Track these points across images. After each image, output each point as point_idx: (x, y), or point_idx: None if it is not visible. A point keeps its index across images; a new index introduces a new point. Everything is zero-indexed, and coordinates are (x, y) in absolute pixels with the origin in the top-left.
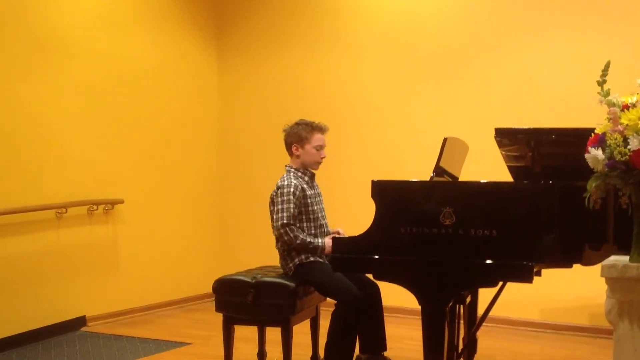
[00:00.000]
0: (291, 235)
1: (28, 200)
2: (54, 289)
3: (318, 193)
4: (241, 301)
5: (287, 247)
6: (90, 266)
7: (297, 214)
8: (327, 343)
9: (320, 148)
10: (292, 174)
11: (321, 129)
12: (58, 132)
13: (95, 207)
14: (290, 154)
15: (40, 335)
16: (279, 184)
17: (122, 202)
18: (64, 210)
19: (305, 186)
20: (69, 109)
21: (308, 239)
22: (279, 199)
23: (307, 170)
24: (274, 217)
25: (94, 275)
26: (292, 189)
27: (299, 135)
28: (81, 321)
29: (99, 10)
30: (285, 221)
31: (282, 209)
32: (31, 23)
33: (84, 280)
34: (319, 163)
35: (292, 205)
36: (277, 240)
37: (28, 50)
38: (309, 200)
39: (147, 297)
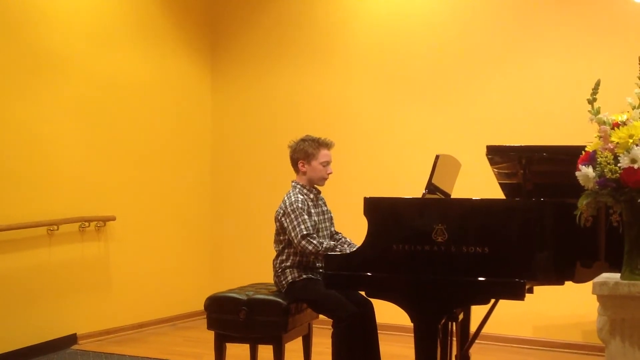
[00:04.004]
0: (314, 242)
1: (19, 217)
2: (44, 306)
3: (324, 211)
4: (233, 319)
5: (315, 256)
6: (82, 283)
7: (314, 224)
8: None
9: (326, 164)
10: (298, 189)
11: (327, 145)
12: (50, 149)
13: (87, 224)
14: (297, 170)
15: (31, 353)
16: (287, 200)
17: (114, 219)
18: (55, 227)
19: (310, 203)
20: (60, 126)
21: (332, 242)
22: (292, 215)
23: (312, 188)
24: (292, 233)
25: (86, 293)
26: (299, 204)
27: (306, 152)
28: (72, 339)
29: (92, 27)
30: (304, 232)
31: (299, 223)
32: (23, 41)
33: (75, 298)
34: (325, 179)
35: (306, 217)
36: (302, 255)
37: (20, 67)
38: (314, 219)
39: (138, 315)
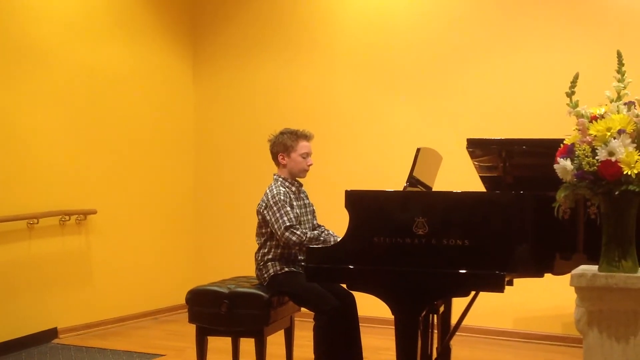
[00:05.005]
0: (298, 233)
1: None
2: (25, 300)
3: (306, 204)
4: (215, 312)
5: (299, 247)
6: (62, 277)
7: (297, 215)
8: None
9: (306, 155)
10: (279, 182)
11: (306, 137)
12: (30, 141)
13: (67, 217)
14: (277, 163)
15: (11, 348)
16: (269, 193)
17: (94, 212)
18: (35, 220)
19: (292, 196)
20: (41, 118)
21: (316, 232)
22: (275, 207)
23: (294, 181)
24: (275, 225)
25: (66, 287)
26: (282, 196)
27: (285, 144)
28: (53, 333)
29: (73, 19)
30: (287, 223)
31: (281, 215)
32: (3, 32)
33: (55, 292)
34: (306, 171)
35: (289, 209)
36: (285, 247)
37: (0, 58)
38: (296, 211)
39: (119, 309)
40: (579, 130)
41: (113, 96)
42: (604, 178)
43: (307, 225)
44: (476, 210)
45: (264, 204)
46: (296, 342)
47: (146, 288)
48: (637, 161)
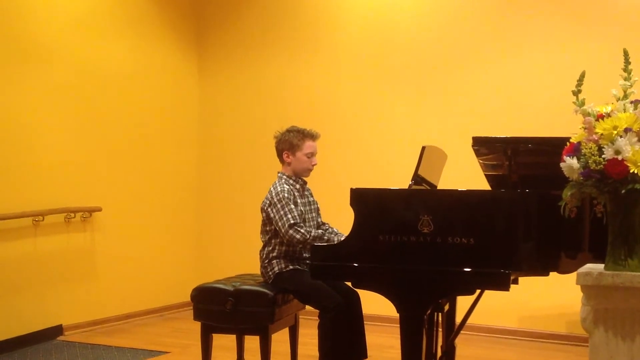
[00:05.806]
0: (302, 231)
1: (4, 207)
2: (30, 297)
3: (310, 202)
4: (220, 309)
5: (303, 245)
6: (68, 274)
7: (301, 213)
8: (320, 358)
9: (311, 155)
10: (284, 180)
11: (312, 136)
12: (35, 139)
13: (72, 215)
14: (282, 161)
15: (16, 345)
16: (273, 190)
17: (100, 210)
18: (41, 218)
19: (296, 194)
20: (46, 115)
21: (320, 231)
22: (279, 205)
23: (298, 179)
24: (279, 223)
25: (71, 284)
26: (286, 194)
27: (290, 143)
28: (58, 330)
29: (77, 15)
30: (292, 221)
31: (285, 212)
32: (8, 29)
33: (61, 289)
34: (310, 170)
35: (293, 207)
36: (289, 244)
37: (4, 55)
38: (300, 209)
39: (125, 306)
40: (585, 128)
41: (118, 94)
42: (611, 176)
43: (311, 223)
44: (481, 209)
45: (268, 202)
46: (301, 339)
47: (151, 285)
48: None
